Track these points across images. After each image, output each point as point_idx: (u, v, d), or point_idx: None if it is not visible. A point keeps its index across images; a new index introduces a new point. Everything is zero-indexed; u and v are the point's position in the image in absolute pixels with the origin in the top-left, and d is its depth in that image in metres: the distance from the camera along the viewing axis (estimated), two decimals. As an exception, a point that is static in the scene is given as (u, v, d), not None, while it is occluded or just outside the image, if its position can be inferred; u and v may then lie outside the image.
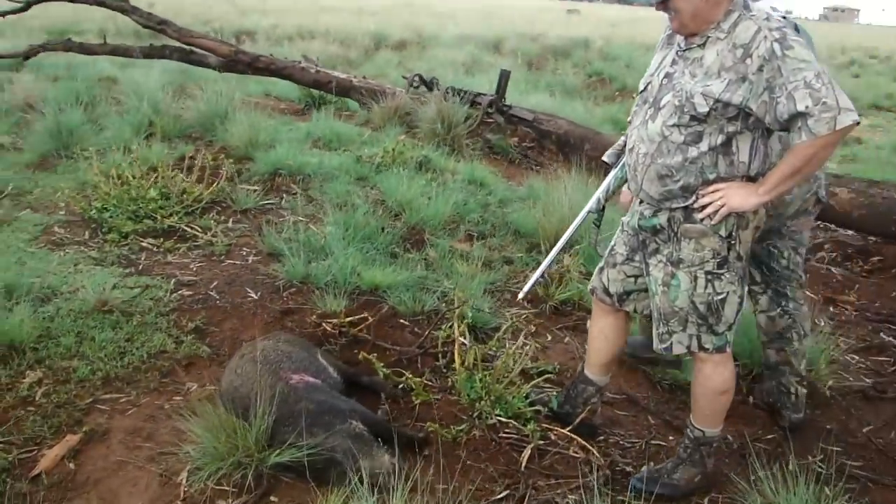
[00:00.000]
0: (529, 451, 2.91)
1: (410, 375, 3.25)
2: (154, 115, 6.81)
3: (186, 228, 4.79)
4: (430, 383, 3.35)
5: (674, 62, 2.51)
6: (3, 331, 3.31)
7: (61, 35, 11.86)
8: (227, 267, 4.39)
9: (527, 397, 3.16)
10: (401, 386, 3.29)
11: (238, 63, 9.07)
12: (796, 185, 2.39)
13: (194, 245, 4.65)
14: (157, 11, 14.32)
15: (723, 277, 2.52)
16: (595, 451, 2.95)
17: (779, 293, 3.27)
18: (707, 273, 2.52)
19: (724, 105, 2.33)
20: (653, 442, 3.15)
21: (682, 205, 2.50)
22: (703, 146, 2.41)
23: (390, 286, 4.06)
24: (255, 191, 5.57)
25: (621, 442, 3.13)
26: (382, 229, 4.73)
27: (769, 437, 3.23)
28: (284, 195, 5.50)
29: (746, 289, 2.62)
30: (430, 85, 7.92)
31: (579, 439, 2.99)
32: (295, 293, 4.04)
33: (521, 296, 3.26)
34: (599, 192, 3.11)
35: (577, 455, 2.93)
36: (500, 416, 3.06)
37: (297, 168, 5.84)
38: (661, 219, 2.58)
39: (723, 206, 2.41)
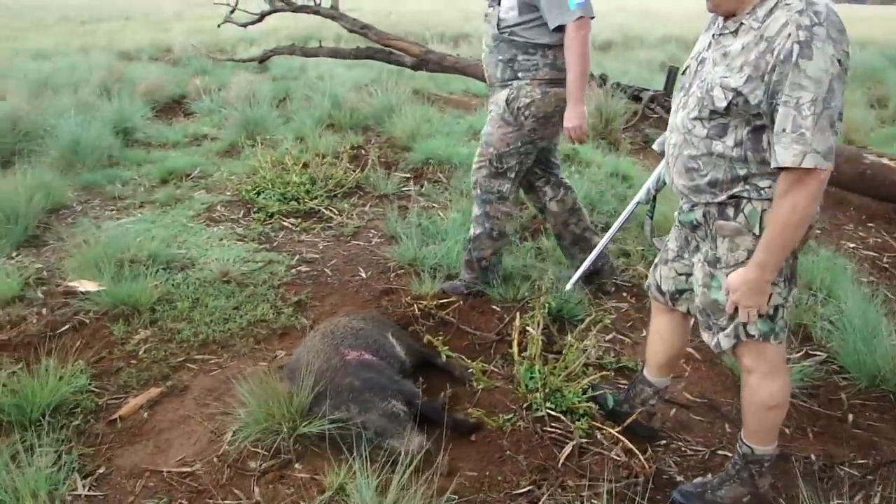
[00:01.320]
0: (570, 449, 2.64)
1: (471, 361, 3.07)
2: (333, 109, 7.06)
3: (325, 210, 4.90)
4: (496, 370, 3.15)
5: (710, 46, 2.14)
6: (129, 293, 3.54)
7: (305, 41, 12.65)
8: (351, 247, 4.43)
9: (584, 392, 2.88)
10: (470, 371, 3.13)
11: (428, 62, 9.21)
12: (798, 238, 2.01)
13: (328, 226, 4.74)
14: (393, 18, 14.90)
15: None
16: (641, 456, 2.61)
17: (556, 179, 3.77)
18: None
19: (745, 101, 1.95)
20: (719, 452, 2.76)
21: (713, 200, 2.14)
22: (729, 141, 2.04)
23: (490, 273, 3.88)
24: (404, 178, 5.61)
25: (683, 449, 2.77)
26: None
27: (861, 461, 2.71)
28: (427, 183, 5.47)
29: (795, 290, 2.19)
30: (600, 81, 7.55)
31: (626, 441, 2.67)
32: (401, 275, 3.99)
33: (568, 287, 2.99)
34: (649, 183, 2.78)
35: (619, 458, 2.61)
36: (550, 409, 2.81)
37: (447, 158, 5.79)
38: (697, 214, 2.22)
39: (751, 311, 2.11)
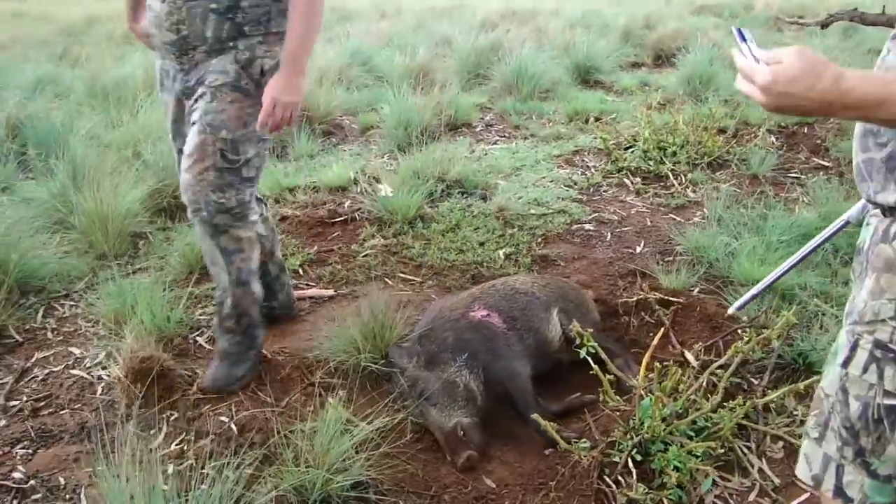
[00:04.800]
0: (610, 516, 1.99)
1: (606, 372, 2.46)
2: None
3: (672, 177, 4.30)
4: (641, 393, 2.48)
5: None
6: (398, 204, 3.71)
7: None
8: (663, 220, 3.84)
9: (695, 457, 2.10)
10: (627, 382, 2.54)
11: None
12: None
13: (663, 193, 4.17)
14: None
15: None
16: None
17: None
18: (877, 345, 1.21)
19: None
20: None
21: (883, 199, 1.22)
22: None
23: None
24: (821, 166, 4.58)
25: None
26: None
27: None
28: (821, 174, 4.35)
29: None
30: None
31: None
32: (676, 261, 3.33)
33: (731, 310, 2.14)
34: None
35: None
36: (634, 458, 2.13)
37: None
38: (867, 231, 1.30)
39: None
